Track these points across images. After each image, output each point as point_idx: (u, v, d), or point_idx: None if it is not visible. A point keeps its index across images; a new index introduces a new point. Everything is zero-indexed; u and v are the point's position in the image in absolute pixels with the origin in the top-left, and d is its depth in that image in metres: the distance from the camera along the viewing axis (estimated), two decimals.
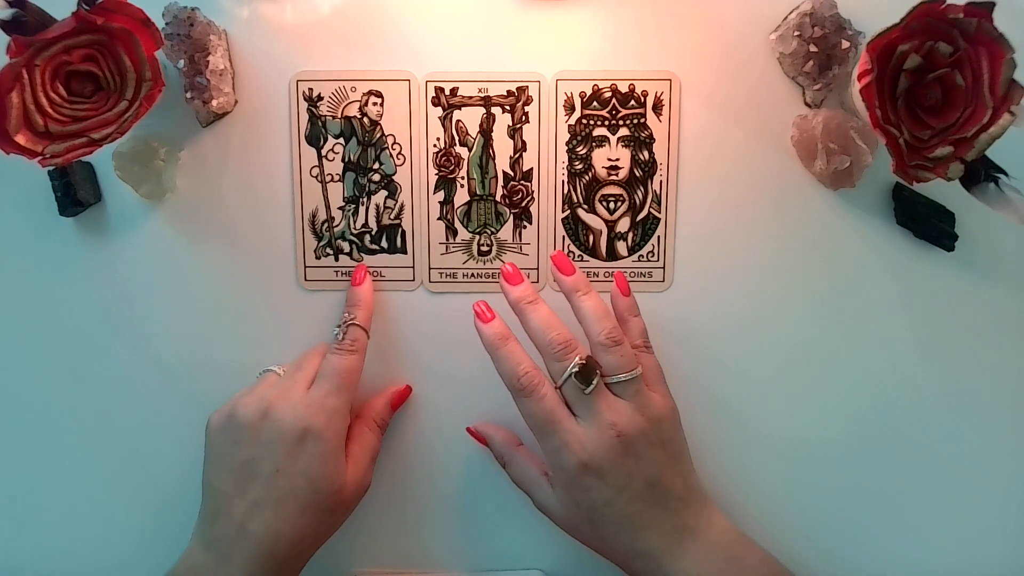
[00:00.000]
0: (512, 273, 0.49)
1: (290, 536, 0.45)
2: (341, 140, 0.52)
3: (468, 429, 0.53)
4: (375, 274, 0.54)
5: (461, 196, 0.53)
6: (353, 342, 0.49)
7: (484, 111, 0.52)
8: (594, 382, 0.45)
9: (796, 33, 0.49)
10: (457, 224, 0.53)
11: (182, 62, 0.49)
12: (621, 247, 0.54)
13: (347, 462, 0.48)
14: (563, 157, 0.53)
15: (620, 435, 0.45)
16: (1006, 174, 0.46)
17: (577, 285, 0.48)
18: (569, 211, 0.53)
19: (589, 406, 0.45)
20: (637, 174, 0.53)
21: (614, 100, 0.52)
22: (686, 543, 0.45)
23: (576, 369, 0.45)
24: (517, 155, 0.53)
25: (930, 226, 0.52)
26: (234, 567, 0.45)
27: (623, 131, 0.52)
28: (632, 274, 0.54)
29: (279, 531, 0.45)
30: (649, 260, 0.54)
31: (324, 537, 0.48)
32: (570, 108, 0.52)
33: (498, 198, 0.53)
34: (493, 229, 0.53)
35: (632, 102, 0.52)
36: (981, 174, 0.45)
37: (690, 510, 0.46)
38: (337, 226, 0.53)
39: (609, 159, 0.53)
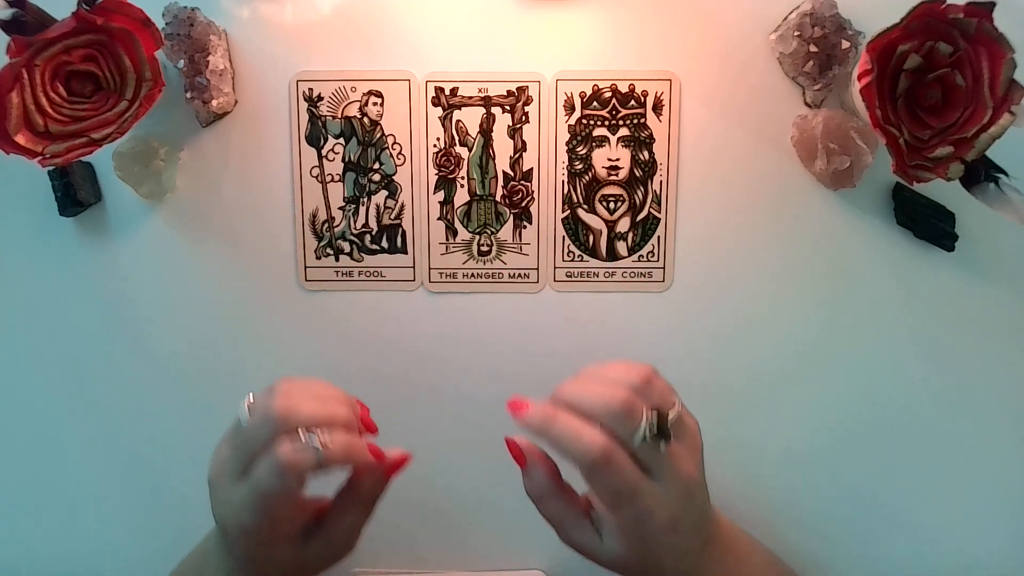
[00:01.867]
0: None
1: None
2: (341, 140, 0.52)
3: (509, 442, 0.45)
4: (375, 274, 0.54)
5: (461, 196, 0.53)
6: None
7: (484, 111, 0.52)
8: (671, 434, 0.40)
9: (796, 33, 0.49)
10: (457, 224, 0.53)
11: (182, 62, 0.49)
12: (621, 247, 0.54)
13: (316, 539, 0.44)
14: (563, 157, 0.53)
15: (691, 481, 0.42)
16: (1006, 174, 0.46)
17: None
18: (569, 211, 0.53)
19: (664, 463, 0.41)
20: (637, 174, 0.53)
21: (614, 100, 0.52)
22: (709, 551, 0.44)
23: (654, 429, 0.40)
24: (517, 155, 0.53)
25: (930, 226, 0.52)
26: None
27: (623, 131, 0.52)
28: (632, 274, 0.54)
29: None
30: (649, 260, 0.54)
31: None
32: (570, 108, 0.52)
33: (498, 198, 0.53)
34: (493, 229, 0.53)
35: (632, 102, 0.52)
36: (981, 174, 0.45)
37: (710, 521, 0.45)
38: (337, 226, 0.53)
39: (609, 159, 0.53)
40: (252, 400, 0.43)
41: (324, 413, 0.41)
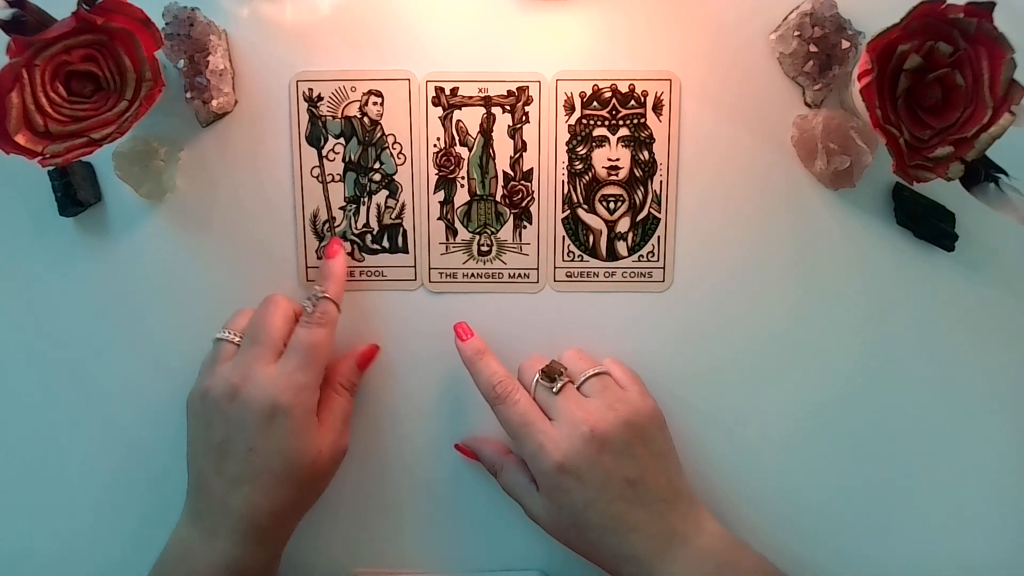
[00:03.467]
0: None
1: (270, 508, 0.46)
2: (342, 140, 0.52)
3: (457, 447, 0.54)
4: (376, 274, 0.54)
5: (461, 196, 0.53)
6: (323, 315, 0.49)
7: (484, 111, 0.52)
8: (559, 380, 0.48)
9: (796, 33, 0.49)
10: (457, 224, 0.53)
11: (182, 62, 0.49)
12: (621, 247, 0.54)
13: (319, 430, 0.48)
14: (563, 157, 0.53)
15: (593, 430, 0.46)
16: (1006, 174, 0.46)
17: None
18: (569, 211, 0.53)
19: (560, 407, 0.47)
20: (637, 174, 0.53)
21: (614, 100, 0.52)
22: (675, 548, 0.45)
23: (541, 371, 0.49)
24: (517, 155, 0.53)
25: (930, 226, 0.52)
26: (220, 540, 0.46)
27: (623, 131, 0.52)
28: (632, 274, 0.54)
29: (259, 504, 0.46)
30: (649, 260, 0.54)
31: (306, 506, 0.49)
32: (570, 108, 0.52)
33: (498, 198, 0.53)
34: (493, 229, 0.53)
35: (632, 102, 0.52)
36: (981, 174, 0.45)
37: (677, 512, 0.46)
38: (338, 226, 0.53)
39: (609, 159, 0.53)
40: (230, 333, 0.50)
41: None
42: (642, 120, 0.52)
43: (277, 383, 0.46)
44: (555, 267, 0.54)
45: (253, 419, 0.46)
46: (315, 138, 0.52)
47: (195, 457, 0.48)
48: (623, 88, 0.52)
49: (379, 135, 0.52)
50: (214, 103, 0.50)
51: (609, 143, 0.53)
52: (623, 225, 0.53)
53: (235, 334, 0.50)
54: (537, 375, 0.49)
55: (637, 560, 0.45)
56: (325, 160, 0.53)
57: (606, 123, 0.52)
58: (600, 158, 0.53)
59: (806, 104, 0.52)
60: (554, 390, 0.48)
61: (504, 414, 0.48)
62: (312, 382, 0.48)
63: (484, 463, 0.52)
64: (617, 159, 0.53)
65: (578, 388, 0.49)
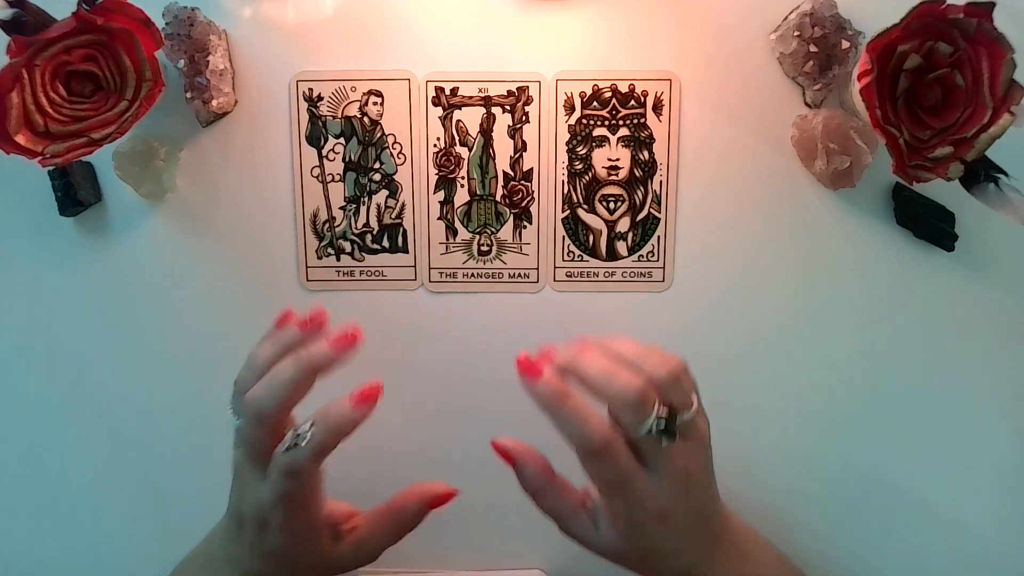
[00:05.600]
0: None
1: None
2: (342, 140, 0.52)
3: (494, 444, 0.45)
4: (376, 274, 0.54)
5: (461, 196, 0.53)
6: (291, 465, 0.41)
7: (484, 111, 0.52)
8: (676, 434, 0.40)
9: (796, 33, 0.49)
10: (457, 224, 0.53)
11: (182, 62, 0.49)
12: (621, 247, 0.54)
13: (346, 542, 0.45)
14: (563, 157, 0.53)
15: (689, 477, 0.41)
16: (1006, 174, 0.46)
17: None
18: (569, 211, 0.53)
19: (664, 456, 0.41)
20: (637, 174, 0.53)
21: (614, 100, 0.52)
22: (715, 550, 0.44)
23: (661, 426, 0.40)
24: (517, 155, 0.53)
25: (930, 226, 0.52)
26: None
27: (623, 131, 0.52)
28: (632, 274, 0.54)
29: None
30: (649, 260, 0.54)
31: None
32: (570, 108, 0.52)
33: (498, 198, 0.53)
34: (493, 229, 0.53)
35: (632, 102, 0.52)
36: (981, 174, 0.45)
37: (717, 518, 0.45)
38: (338, 226, 0.53)
39: (609, 159, 0.53)
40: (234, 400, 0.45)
41: (286, 396, 0.42)
42: (642, 120, 0.52)
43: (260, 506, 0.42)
44: (555, 267, 0.54)
45: (250, 525, 0.44)
46: (315, 138, 0.52)
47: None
48: (623, 88, 0.52)
49: (379, 135, 0.52)
50: (214, 103, 0.50)
51: (609, 143, 0.53)
52: (623, 225, 0.53)
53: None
54: (653, 427, 0.40)
55: (686, 571, 0.43)
56: (325, 160, 0.53)
57: (606, 123, 0.52)
58: (600, 158, 0.53)
59: (806, 104, 0.52)
60: (663, 444, 0.40)
61: (600, 468, 0.40)
62: (301, 513, 0.43)
63: (522, 479, 0.44)
64: (617, 159, 0.53)
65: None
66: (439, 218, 0.53)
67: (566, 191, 0.53)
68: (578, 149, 0.53)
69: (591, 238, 0.54)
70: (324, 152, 0.53)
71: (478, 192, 0.53)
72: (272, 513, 0.42)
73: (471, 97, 0.52)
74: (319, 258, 0.54)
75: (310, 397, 0.55)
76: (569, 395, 0.41)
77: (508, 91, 0.52)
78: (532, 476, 0.44)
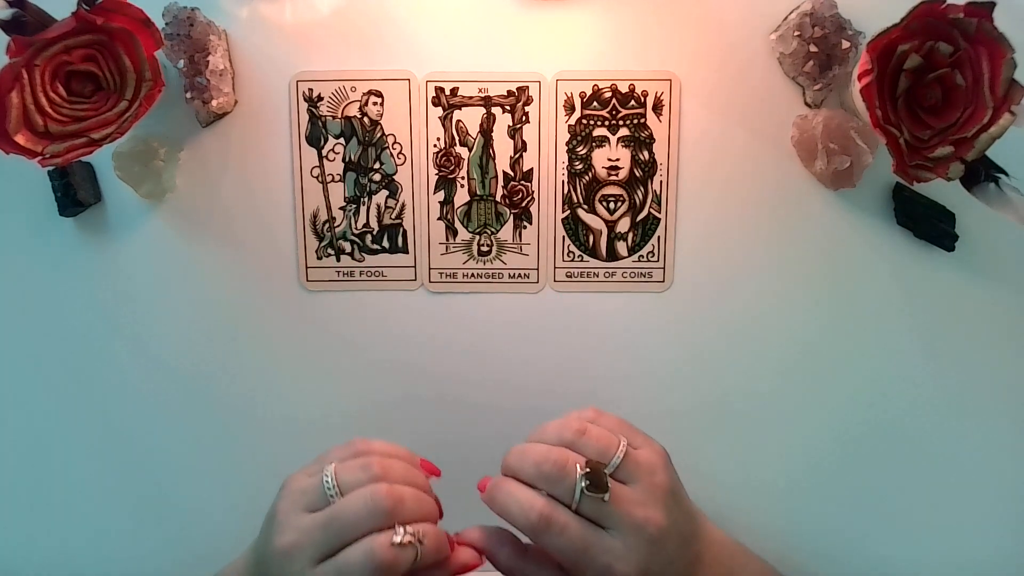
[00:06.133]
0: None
1: None
2: (342, 140, 0.52)
3: (459, 541, 0.44)
4: (376, 274, 0.54)
5: (461, 196, 0.53)
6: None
7: (484, 111, 0.52)
8: (608, 484, 0.40)
9: (796, 33, 0.49)
10: (457, 224, 0.53)
11: (182, 62, 0.49)
12: (621, 247, 0.54)
13: None
14: (563, 157, 0.53)
15: (655, 527, 0.41)
16: (1006, 174, 0.46)
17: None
18: (569, 211, 0.53)
19: (614, 513, 0.40)
20: (637, 174, 0.53)
21: (614, 100, 0.52)
22: (695, 570, 0.44)
23: (585, 483, 0.40)
24: (517, 155, 0.53)
25: (930, 226, 0.52)
26: None
27: (623, 131, 0.52)
28: (632, 274, 0.54)
29: None
30: (649, 260, 0.54)
31: None
32: (570, 108, 0.52)
33: (498, 198, 0.53)
34: (493, 229, 0.53)
35: (632, 102, 0.52)
36: (981, 174, 0.45)
37: (697, 540, 0.44)
38: (338, 226, 0.53)
39: (609, 159, 0.53)
40: (337, 473, 0.42)
41: (424, 511, 0.41)
42: (642, 120, 0.52)
43: None
44: (555, 267, 0.54)
45: None
46: (315, 138, 0.52)
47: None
48: (623, 88, 0.52)
49: (379, 135, 0.52)
50: (214, 103, 0.50)
51: (609, 143, 0.53)
52: (623, 225, 0.53)
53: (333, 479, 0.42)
54: (581, 486, 0.40)
55: None
56: (325, 160, 0.53)
57: (606, 123, 0.52)
58: (600, 158, 0.53)
59: (806, 104, 0.52)
60: (606, 499, 0.40)
61: (554, 544, 0.40)
62: None
63: (498, 567, 0.43)
64: (617, 159, 0.53)
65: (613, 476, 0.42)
66: (439, 218, 0.53)
67: (566, 191, 0.53)
68: (578, 149, 0.53)
69: (591, 238, 0.54)
70: (324, 152, 0.53)
71: (478, 192, 0.53)
72: None
73: (471, 97, 0.52)
74: (319, 258, 0.54)
75: (312, 398, 0.55)
76: (499, 484, 0.42)
77: (508, 91, 0.52)
78: (505, 559, 0.43)
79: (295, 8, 0.51)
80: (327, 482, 0.41)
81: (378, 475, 0.41)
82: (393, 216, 0.53)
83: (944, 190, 0.51)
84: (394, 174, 0.53)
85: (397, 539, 0.39)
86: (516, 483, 0.41)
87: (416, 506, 0.41)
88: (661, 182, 0.53)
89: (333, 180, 0.53)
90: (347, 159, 0.53)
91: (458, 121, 0.52)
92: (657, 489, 0.42)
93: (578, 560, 0.40)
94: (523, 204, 0.53)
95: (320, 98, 0.52)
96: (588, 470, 0.40)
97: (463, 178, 0.53)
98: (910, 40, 0.43)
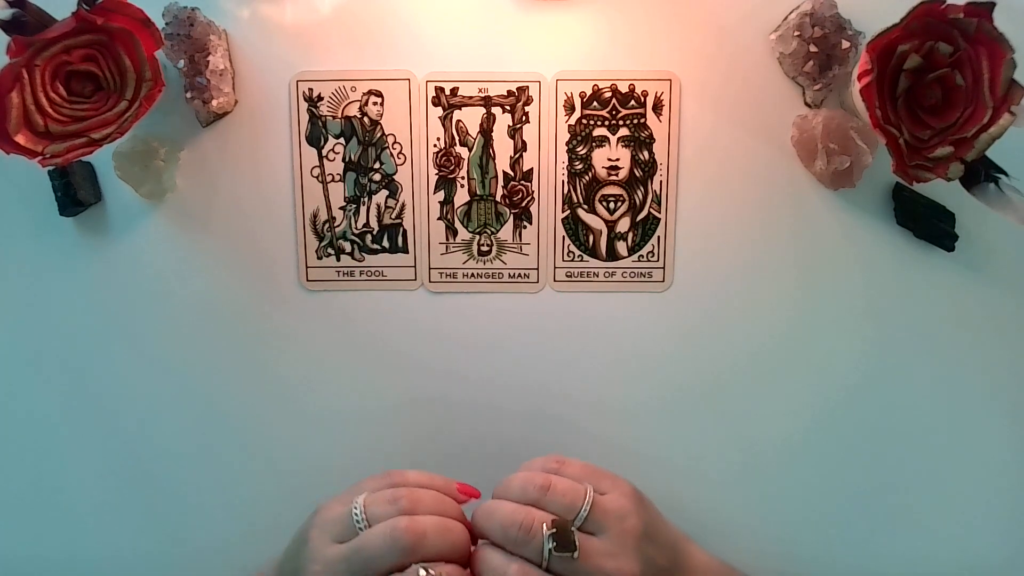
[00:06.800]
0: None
1: None
2: (342, 140, 0.52)
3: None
4: (376, 274, 0.54)
5: (461, 196, 0.53)
6: None
7: (484, 111, 0.52)
8: (576, 543, 0.40)
9: (796, 33, 0.49)
10: (457, 224, 0.53)
11: (182, 62, 0.49)
12: (621, 247, 0.54)
13: None
14: (563, 157, 0.53)
15: (623, 573, 0.41)
16: (1006, 174, 0.46)
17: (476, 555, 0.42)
18: (569, 211, 0.53)
19: (582, 570, 0.40)
20: (637, 174, 0.53)
21: (614, 100, 0.52)
22: None
23: (552, 543, 0.40)
24: (517, 155, 0.53)
25: (930, 226, 0.52)
26: None
27: (623, 131, 0.52)
28: (632, 274, 0.54)
29: None
30: (649, 260, 0.54)
31: None
32: (570, 108, 0.52)
33: (498, 198, 0.53)
34: (493, 229, 0.53)
35: (632, 102, 0.52)
36: (981, 174, 0.45)
37: (679, 570, 0.44)
38: (338, 226, 0.53)
39: (609, 159, 0.53)
40: (367, 505, 0.42)
41: (448, 544, 0.41)
42: (642, 120, 0.52)
43: None
44: (555, 267, 0.54)
45: None
46: (315, 138, 0.52)
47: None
48: (623, 88, 0.52)
49: (379, 135, 0.52)
50: (214, 103, 0.50)
51: (609, 143, 0.53)
52: (623, 225, 0.53)
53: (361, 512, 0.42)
54: (550, 547, 0.40)
55: None
56: (325, 160, 0.53)
57: (606, 123, 0.52)
58: (600, 158, 0.53)
59: (806, 104, 0.52)
60: (575, 556, 0.40)
61: None
62: None
63: None
64: (617, 159, 0.53)
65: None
66: (439, 218, 0.53)
67: (566, 191, 0.53)
68: (578, 149, 0.53)
69: (591, 238, 0.54)
70: (324, 152, 0.53)
71: (478, 192, 0.53)
72: None
73: (471, 97, 0.52)
74: (319, 258, 0.54)
75: (312, 397, 0.56)
76: (476, 552, 0.42)
77: (508, 91, 0.52)
78: None
79: (295, 8, 0.51)
80: (356, 513, 0.41)
81: (405, 508, 0.41)
82: (393, 216, 0.53)
83: (944, 190, 0.51)
84: (394, 174, 0.53)
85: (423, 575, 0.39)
86: (490, 549, 0.41)
87: (439, 540, 0.41)
88: (661, 182, 0.53)
89: (333, 180, 0.53)
90: (347, 159, 0.53)
91: (458, 121, 0.52)
92: (628, 536, 0.41)
93: None
94: (523, 204, 0.53)
95: (320, 98, 0.52)
96: (554, 530, 0.40)
97: (463, 178, 0.53)
98: (910, 40, 0.43)
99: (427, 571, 0.39)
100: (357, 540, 0.41)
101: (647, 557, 0.42)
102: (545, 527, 0.40)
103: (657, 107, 0.52)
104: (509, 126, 0.52)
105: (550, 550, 0.40)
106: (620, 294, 0.54)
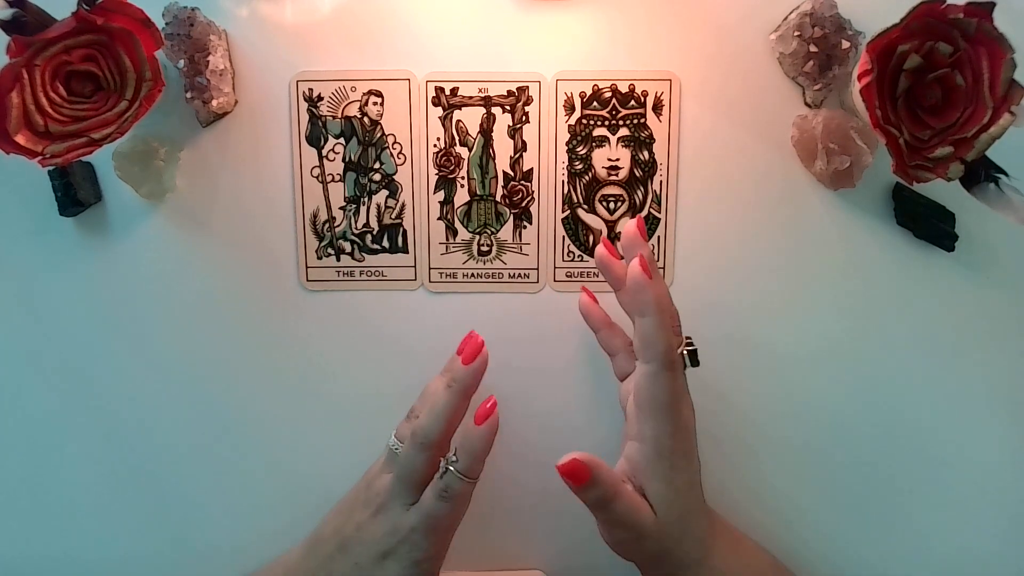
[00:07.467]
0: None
1: None
2: (342, 140, 0.52)
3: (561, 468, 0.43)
4: (376, 274, 0.54)
5: (461, 196, 0.53)
6: (446, 490, 0.45)
7: (484, 111, 0.52)
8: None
9: (796, 33, 0.49)
10: (457, 224, 0.53)
11: (182, 62, 0.49)
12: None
13: None
14: (563, 157, 0.53)
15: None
16: (1006, 174, 0.46)
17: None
18: (569, 211, 0.53)
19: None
20: (637, 174, 0.53)
21: (614, 100, 0.52)
22: (713, 543, 0.46)
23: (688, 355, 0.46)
24: (517, 155, 0.53)
25: (930, 226, 0.52)
26: None
27: (623, 131, 0.52)
28: None
29: None
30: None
31: None
32: (570, 108, 0.52)
33: (498, 198, 0.53)
34: (493, 229, 0.53)
35: (632, 102, 0.52)
36: (981, 174, 0.45)
37: (710, 510, 0.47)
38: (338, 226, 0.53)
39: (609, 159, 0.53)
40: (397, 433, 0.49)
41: (446, 422, 0.46)
42: (642, 120, 0.52)
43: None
44: (555, 267, 0.54)
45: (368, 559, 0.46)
46: (315, 138, 0.52)
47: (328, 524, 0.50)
48: (623, 88, 0.52)
49: (379, 135, 0.52)
50: (214, 103, 0.50)
51: (609, 143, 0.53)
52: (623, 225, 0.53)
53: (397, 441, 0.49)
54: (684, 348, 0.46)
55: (696, 565, 0.45)
56: (325, 160, 0.53)
57: (606, 123, 0.52)
58: (600, 158, 0.53)
59: (806, 104, 0.52)
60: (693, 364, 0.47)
61: (653, 297, 0.44)
62: (426, 558, 0.46)
63: (594, 491, 0.43)
64: (617, 159, 0.53)
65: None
66: (439, 218, 0.53)
67: (566, 191, 0.53)
68: (578, 149, 0.53)
69: (591, 238, 0.54)
70: (324, 152, 0.53)
71: (478, 192, 0.53)
72: (410, 538, 0.45)
73: (471, 97, 0.52)
74: (319, 258, 0.54)
75: (312, 397, 0.56)
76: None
77: (508, 91, 0.52)
78: (608, 477, 0.43)
79: (295, 8, 0.51)
80: (391, 444, 0.48)
81: (416, 410, 0.49)
82: (393, 216, 0.53)
83: (944, 190, 0.51)
84: (394, 174, 0.53)
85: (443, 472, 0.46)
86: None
87: (434, 427, 0.47)
88: (661, 182, 0.53)
89: (333, 180, 0.53)
90: (347, 159, 0.53)
91: (458, 121, 0.52)
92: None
93: (655, 406, 0.44)
94: (523, 204, 0.53)
95: (320, 98, 0.52)
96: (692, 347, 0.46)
97: (463, 178, 0.53)
98: (910, 40, 0.43)
99: (447, 462, 0.45)
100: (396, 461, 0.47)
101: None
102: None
103: (657, 107, 0.52)
104: (509, 126, 0.52)
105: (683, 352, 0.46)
106: None
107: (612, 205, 0.53)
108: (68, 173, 0.51)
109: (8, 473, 0.55)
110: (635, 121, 0.52)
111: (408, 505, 0.46)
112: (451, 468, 0.45)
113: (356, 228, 0.53)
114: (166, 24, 0.49)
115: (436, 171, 0.53)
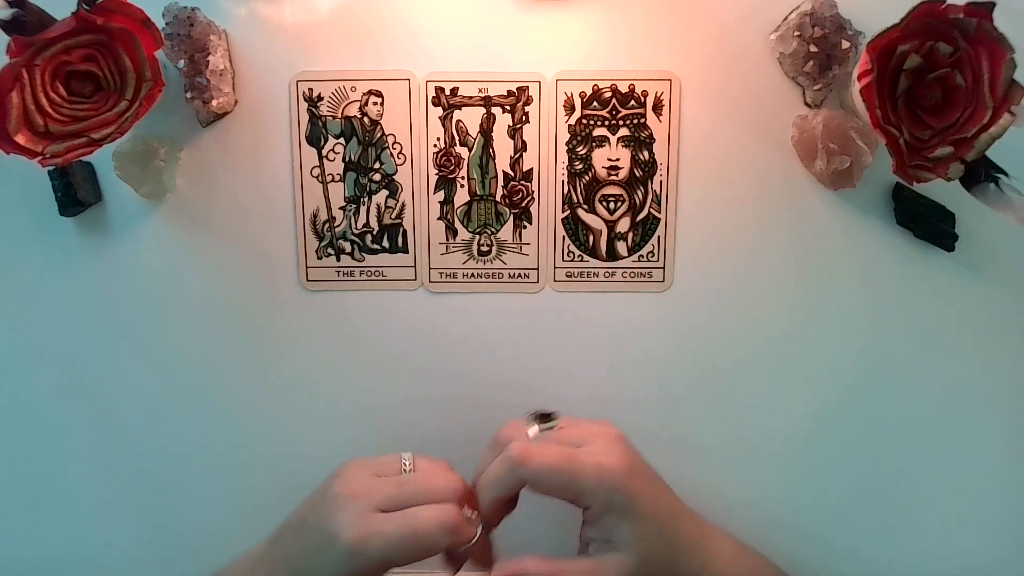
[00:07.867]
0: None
1: None
2: (342, 140, 0.52)
3: None
4: (376, 274, 0.54)
5: (461, 196, 0.53)
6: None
7: (484, 111, 0.52)
8: (555, 417, 0.47)
9: (796, 33, 0.49)
10: (457, 224, 0.53)
11: (182, 62, 0.49)
12: (621, 247, 0.54)
13: None
14: (563, 157, 0.53)
15: (612, 428, 0.46)
16: (1006, 174, 0.46)
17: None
18: (569, 211, 0.53)
19: (571, 434, 0.46)
20: (637, 174, 0.53)
21: (614, 100, 0.52)
22: (711, 564, 0.46)
23: (537, 418, 0.47)
24: (517, 155, 0.53)
25: (930, 226, 0.52)
26: None
27: (623, 131, 0.52)
28: (632, 274, 0.54)
29: None
30: (649, 260, 0.54)
31: None
32: (570, 108, 0.52)
33: (498, 198, 0.53)
34: (493, 229, 0.53)
35: (632, 102, 0.52)
36: (981, 174, 0.45)
37: (704, 522, 0.47)
38: (338, 226, 0.53)
39: (609, 159, 0.53)
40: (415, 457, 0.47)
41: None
42: (642, 120, 0.52)
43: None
44: (555, 267, 0.54)
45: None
46: (315, 138, 0.52)
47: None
48: (623, 88, 0.52)
49: (379, 135, 0.52)
50: (214, 103, 0.50)
51: (609, 143, 0.53)
52: (623, 225, 0.53)
53: (409, 461, 0.47)
54: (535, 422, 0.46)
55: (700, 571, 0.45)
56: (325, 160, 0.53)
57: (606, 123, 0.52)
58: (600, 158, 0.53)
59: (806, 104, 0.52)
60: (559, 424, 0.47)
61: (536, 466, 0.43)
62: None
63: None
64: (617, 159, 0.53)
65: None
66: (439, 218, 0.53)
67: (566, 191, 0.53)
68: (578, 149, 0.53)
69: (591, 238, 0.54)
70: (324, 152, 0.53)
71: (478, 192, 0.53)
72: (400, 550, 0.42)
73: (471, 97, 0.52)
74: (319, 258, 0.54)
75: (312, 397, 0.56)
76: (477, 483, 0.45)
77: (508, 91, 0.52)
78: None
79: (295, 8, 0.51)
80: (404, 460, 0.47)
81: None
82: (393, 216, 0.53)
83: (944, 190, 0.51)
84: (394, 174, 0.53)
85: (468, 513, 0.44)
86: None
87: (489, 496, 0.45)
88: (661, 182, 0.53)
89: (333, 180, 0.53)
90: (347, 159, 0.53)
91: (458, 121, 0.52)
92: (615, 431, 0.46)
93: (563, 469, 0.43)
94: (523, 204, 0.53)
95: (320, 98, 0.52)
96: (534, 413, 0.47)
97: (463, 178, 0.53)
98: (910, 40, 0.43)
99: (473, 512, 0.44)
100: (411, 475, 0.46)
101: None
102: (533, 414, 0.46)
103: (657, 107, 0.52)
104: (509, 126, 0.52)
105: (536, 428, 0.46)
106: (620, 294, 0.54)
107: (612, 205, 0.53)
108: (68, 173, 0.51)
109: (8, 472, 0.55)
110: (635, 121, 0.52)
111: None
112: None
113: (356, 228, 0.53)
114: (166, 24, 0.49)
115: (436, 171, 0.53)
